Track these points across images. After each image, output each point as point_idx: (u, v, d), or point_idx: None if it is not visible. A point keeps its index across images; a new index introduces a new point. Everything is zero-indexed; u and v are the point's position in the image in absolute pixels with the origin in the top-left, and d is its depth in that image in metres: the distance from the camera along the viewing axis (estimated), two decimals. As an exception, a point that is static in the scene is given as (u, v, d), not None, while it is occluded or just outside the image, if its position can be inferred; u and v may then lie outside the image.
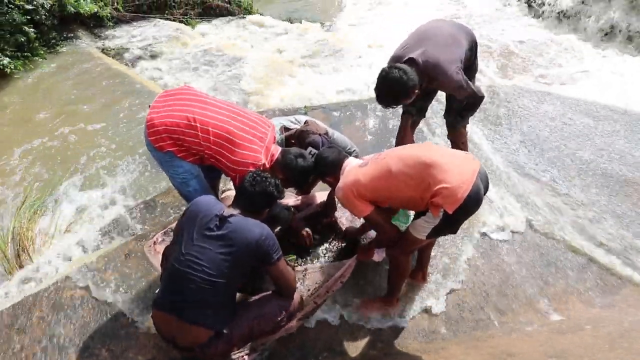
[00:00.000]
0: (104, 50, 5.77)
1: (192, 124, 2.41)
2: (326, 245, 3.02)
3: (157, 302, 2.17)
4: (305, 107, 4.51)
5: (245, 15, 6.97)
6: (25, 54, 5.29)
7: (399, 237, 2.39)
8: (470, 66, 3.00)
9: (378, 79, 2.72)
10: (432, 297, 2.86)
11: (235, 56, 5.76)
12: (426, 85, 2.82)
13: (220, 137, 2.42)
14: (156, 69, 5.55)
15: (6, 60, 4.91)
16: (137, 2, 6.63)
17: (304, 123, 2.92)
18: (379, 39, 6.32)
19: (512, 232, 3.27)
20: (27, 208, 3.42)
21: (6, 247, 3.14)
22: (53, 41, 5.68)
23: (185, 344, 2.12)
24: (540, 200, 3.53)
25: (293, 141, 2.92)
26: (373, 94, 2.80)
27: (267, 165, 2.49)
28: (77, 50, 5.63)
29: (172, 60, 5.72)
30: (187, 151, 2.48)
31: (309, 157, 2.56)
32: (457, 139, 3.35)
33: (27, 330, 2.67)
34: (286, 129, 2.96)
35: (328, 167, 2.48)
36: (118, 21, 6.46)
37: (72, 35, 5.92)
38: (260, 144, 2.49)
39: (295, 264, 2.83)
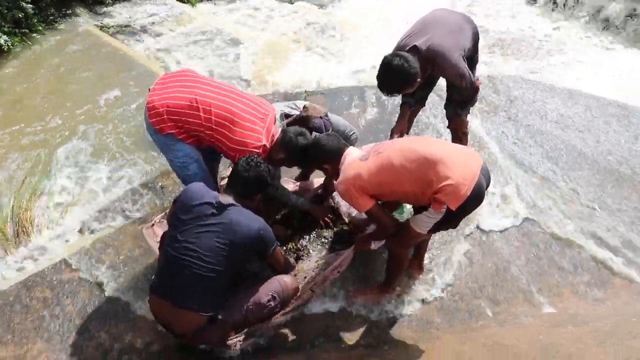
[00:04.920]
0: (102, 28, 5.66)
1: (194, 105, 2.42)
2: (325, 233, 3.05)
3: (153, 287, 2.20)
4: (305, 91, 4.48)
5: (247, -5, 6.83)
6: (23, 30, 5.18)
7: (398, 230, 2.40)
8: (471, 57, 2.98)
9: (380, 67, 2.70)
10: (427, 287, 2.90)
11: (235, 37, 5.67)
12: (430, 72, 2.81)
13: (222, 117, 2.43)
14: (155, 47, 5.44)
15: (2, 40, 4.82)
16: (137, -21, 6.48)
17: (303, 108, 2.90)
18: (383, 20, 6.22)
19: (508, 224, 3.29)
20: (26, 188, 3.42)
21: (5, 227, 3.15)
22: (51, 18, 5.53)
23: (180, 329, 2.15)
24: (537, 193, 3.54)
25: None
26: (374, 80, 2.78)
27: (268, 146, 2.50)
28: (76, 28, 5.52)
29: (171, 39, 5.61)
30: (186, 132, 2.49)
31: (308, 135, 2.55)
32: (458, 129, 3.34)
33: (26, 310, 2.70)
34: (287, 115, 2.94)
35: (327, 155, 2.44)
36: (118, -2, 6.33)
37: (71, 12, 5.78)
38: (261, 125, 2.50)
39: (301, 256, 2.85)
